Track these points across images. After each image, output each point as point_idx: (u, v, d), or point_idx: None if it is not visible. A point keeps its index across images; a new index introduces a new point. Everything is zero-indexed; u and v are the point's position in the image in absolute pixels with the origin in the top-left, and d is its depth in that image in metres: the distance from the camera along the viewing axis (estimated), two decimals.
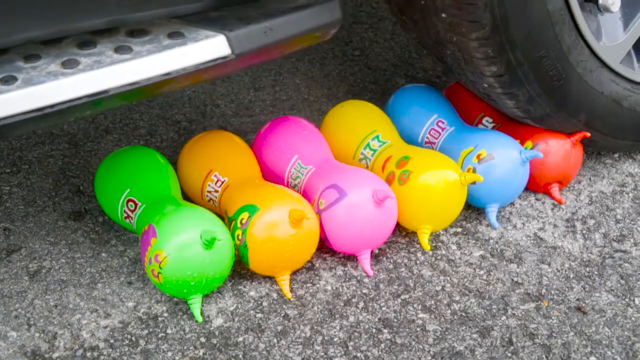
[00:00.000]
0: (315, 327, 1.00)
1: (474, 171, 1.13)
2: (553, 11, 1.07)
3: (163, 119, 1.42)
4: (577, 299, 1.06)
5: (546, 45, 1.09)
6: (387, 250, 1.13)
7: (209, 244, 0.95)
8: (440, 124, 1.23)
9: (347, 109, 1.24)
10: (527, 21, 1.06)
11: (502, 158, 1.14)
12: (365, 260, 1.07)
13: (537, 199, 1.24)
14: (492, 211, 1.15)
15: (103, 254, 1.11)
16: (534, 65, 1.10)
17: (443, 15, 1.07)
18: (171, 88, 0.89)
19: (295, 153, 1.14)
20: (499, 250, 1.14)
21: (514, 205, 1.22)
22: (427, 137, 1.23)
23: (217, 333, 0.99)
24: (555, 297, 1.06)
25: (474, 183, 1.13)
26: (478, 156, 1.14)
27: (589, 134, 1.19)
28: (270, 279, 1.07)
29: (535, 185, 1.22)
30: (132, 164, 1.10)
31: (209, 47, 0.88)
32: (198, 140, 1.17)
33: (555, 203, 1.23)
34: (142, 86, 0.85)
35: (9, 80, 0.82)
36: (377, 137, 1.18)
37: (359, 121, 1.22)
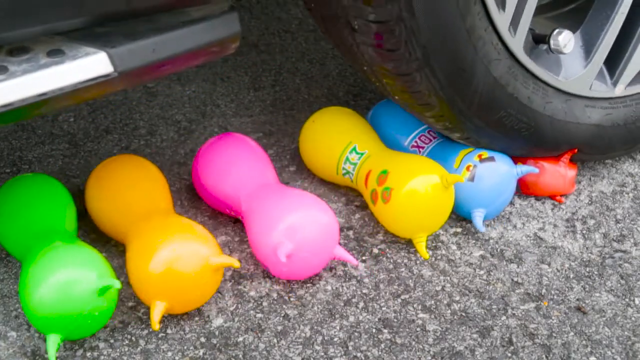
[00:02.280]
0: (315, 327, 1.00)
1: (474, 168, 1.13)
2: (500, 76, 1.06)
3: (163, 119, 1.42)
4: (577, 299, 1.06)
5: (504, 106, 1.08)
6: (387, 250, 1.13)
7: (103, 291, 0.91)
8: (431, 132, 1.23)
9: (318, 124, 1.22)
10: (475, 95, 1.05)
11: (501, 162, 1.14)
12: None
13: (537, 199, 1.24)
14: (478, 215, 1.14)
15: (103, 254, 1.11)
16: (496, 125, 1.10)
17: (395, 97, 1.09)
18: (51, 108, 0.85)
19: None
20: (499, 250, 1.14)
21: (514, 205, 1.22)
22: (415, 142, 1.23)
23: (217, 333, 0.99)
24: (555, 297, 1.06)
25: (472, 178, 1.13)
26: (480, 156, 1.13)
27: (576, 150, 1.19)
28: (270, 278, 1.07)
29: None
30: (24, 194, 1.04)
31: (89, 65, 0.83)
32: (105, 166, 1.12)
33: (555, 203, 1.23)
34: (17, 107, 0.80)
35: None
36: (354, 148, 1.17)
37: (333, 135, 1.19)
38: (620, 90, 1.18)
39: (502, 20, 1.01)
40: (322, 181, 1.27)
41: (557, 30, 1.07)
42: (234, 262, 0.95)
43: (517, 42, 1.05)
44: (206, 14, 0.90)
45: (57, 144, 1.35)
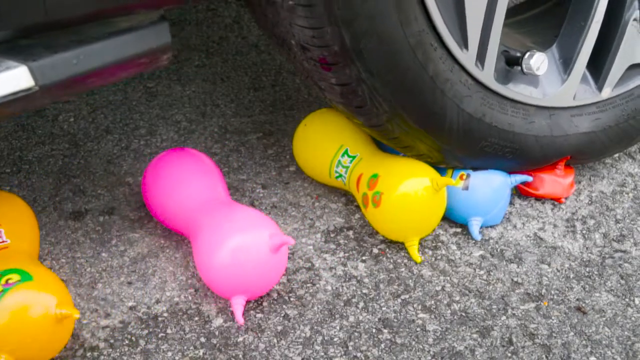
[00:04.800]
0: (315, 327, 1.00)
1: (468, 177, 1.13)
2: (475, 110, 1.05)
3: (163, 119, 1.42)
4: (577, 299, 1.06)
5: (484, 137, 1.08)
6: (387, 250, 1.13)
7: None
8: None
9: (310, 127, 1.21)
10: (452, 132, 1.05)
11: (495, 171, 1.14)
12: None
13: (537, 199, 1.24)
14: (475, 224, 1.14)
15: (103, 254, 1.11)
16: (480, 154, 1.11)
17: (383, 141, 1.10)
18: None
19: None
20: (499, 250, 1.14)
21: (514, 205, 1.22)
22: None
23: (217, 333, 0.99)
24: (555, 297, 1.06)
25: (466, 187, 1.13)
26: None
27: (569, 157, 1.19)
28: None
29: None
30: None
31: (9, 79, 0.79)
32: None
33: (555, 203, 1.23)
34: None
35: None
36: (346, 151, 1.16)
37: (325, 138, 1.19)
38: (607, 93, 1.16)
39: (467, 58, 1.01)
40: None
41: (528, 53, 1.06)
42: (74, 312, 0.88)
43: (487, 74, 1.04)
44: (134, 25, 0.86)
45: (57, 144, 1.34)
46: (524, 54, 1.06)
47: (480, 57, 1.02)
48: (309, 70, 1.00)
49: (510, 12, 1.02)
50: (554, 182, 1.20)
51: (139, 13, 0.86)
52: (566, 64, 1.12)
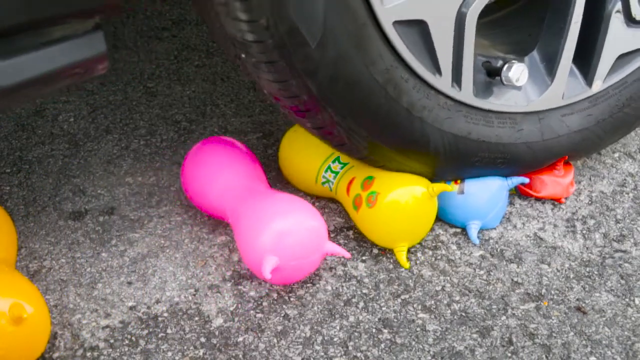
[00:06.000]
0: (315, 327, 1.00)
1: (463, 182, 1.13)
2: (459, 129, 1.04)
3: (163, 119, 1.42)
4: (577, 299, 1.06)
5: (474, 153, 1.08)
6: (387, 250, 1.13)
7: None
8: None
9: (300, 133, 1.20)
10: (438, 155, 1.05)
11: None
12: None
13: (537, 199, 1.24)
14: (473, 227, 1.14)
15: (103, 254, 1.11)
16: (473, 167, 1.10)
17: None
18: None
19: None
20: (499, 250, 1.14)
21: (514, 205, 1.22)
22: None
23: (217, 333, 0.99)
24: (555, 297, 1.06)
25: (461, 191, 1.13)
26: None
27: (566, 157, 1.18)
28: None
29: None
30: None
31: None
32: None
33: (555, 203, 1.23)
34: None
35: None
36: (338, 159, 1.16)
37: (316, 143, 1.18)
38: (598, 86, 1.13)
39: (442, 82, 1.00)
40: None
41: (507, 65, 1.04)
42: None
43: (465, 93, 1.02)
44: (67, 34, 0.83)
45: (57, 144, 1.35)
46: (503, 65, 1.04)
47: (456, 79, 1.01)
48: (288, 115, 1.01)
49: (483, 12, 1.00)
50: (554, 183, 1.20)
51: (72, 23, 0.83)
52: (550, 67, 1.10)
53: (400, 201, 1.05)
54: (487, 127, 1.07)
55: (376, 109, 0.97)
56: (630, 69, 1.16)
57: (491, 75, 1.06)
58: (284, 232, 0.98)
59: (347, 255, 1.04)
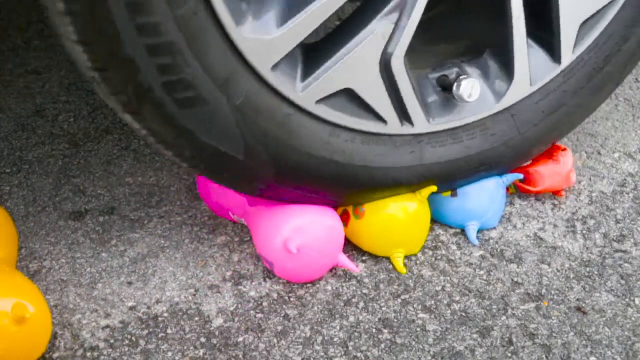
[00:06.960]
0: (315, 327, 1.00)
1: None
2: (430, 158, 1.03)
3: None
4: (577, 299, 1.06)
5: (451, 174, 1.07)
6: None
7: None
8: None
9: None
10: (420, 185, 1.05)
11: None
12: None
13: (537, 199, 1.24)
14: (472, 228, 1.14)
15: (103, 254, 1.11)
16: (457, 182, 1.10)
17: None
18: None
19: None
20: (499, 250, 1.14)
21: (514, 205, 1.22)
22: None
23: (217, 333, 0.99)
24: (555, 297, 1.06)
25: (456, 195, 1.12)
26: None
27: (565, 149, 1.17)
28: (270, 278, 1.07)
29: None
30: None
31: None
32: None
33: (555, 203, 1.23)
34: None
35: None
36: None
37: None
38: (568, 58, 1.05)
39: (390, 127, 0.97)
40: None
41: (455, 84, 0.97)
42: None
43: (422, 126, 0.98)
44: None
45: (57, 144, 1.35)
46: (453, 82, 0.98)
47: (405, 117, 0.97)
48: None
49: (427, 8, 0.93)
50: (552, 174, 1.18)
51: None
52: (507, 64, 1.02)
53: (389, 210, 1.05)
54: (457, 144, 1.03)
55: (337, 179, 0.97)
56: (598, 30, 1.06)
57: (446, 90, 1.00)
58: (310, 224, 1.00)
59: (356, 270, 1.05)
